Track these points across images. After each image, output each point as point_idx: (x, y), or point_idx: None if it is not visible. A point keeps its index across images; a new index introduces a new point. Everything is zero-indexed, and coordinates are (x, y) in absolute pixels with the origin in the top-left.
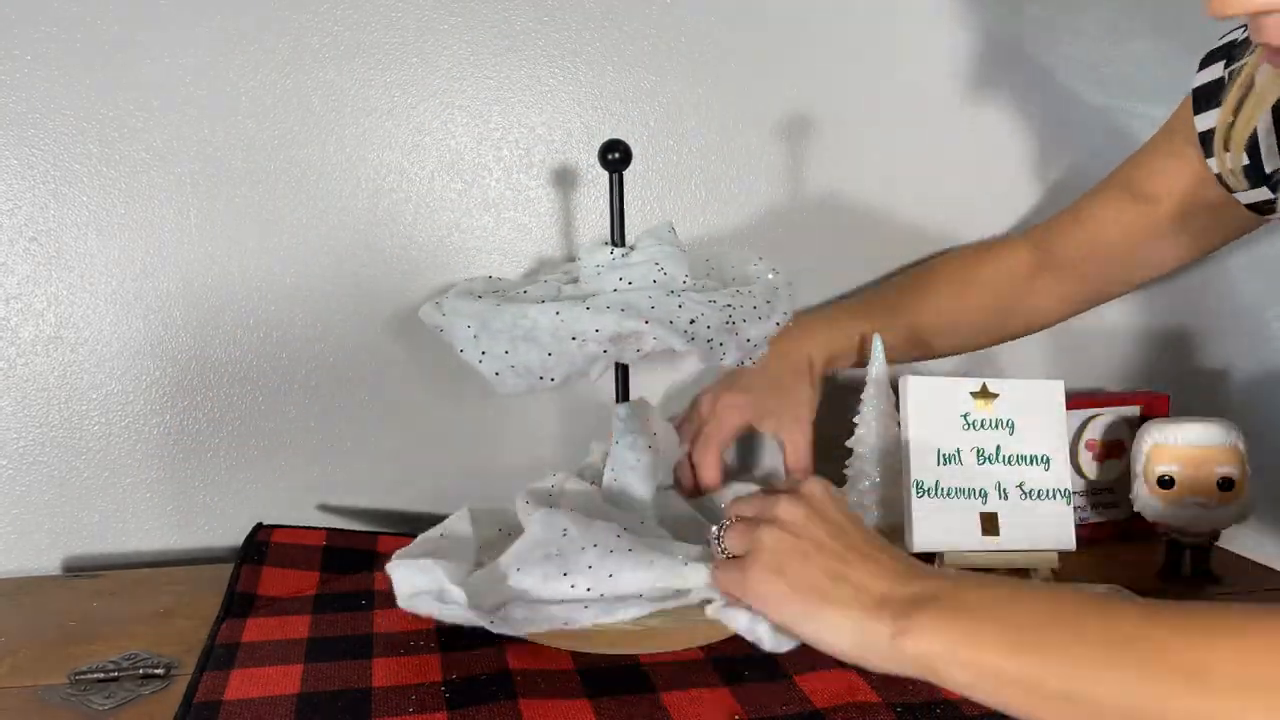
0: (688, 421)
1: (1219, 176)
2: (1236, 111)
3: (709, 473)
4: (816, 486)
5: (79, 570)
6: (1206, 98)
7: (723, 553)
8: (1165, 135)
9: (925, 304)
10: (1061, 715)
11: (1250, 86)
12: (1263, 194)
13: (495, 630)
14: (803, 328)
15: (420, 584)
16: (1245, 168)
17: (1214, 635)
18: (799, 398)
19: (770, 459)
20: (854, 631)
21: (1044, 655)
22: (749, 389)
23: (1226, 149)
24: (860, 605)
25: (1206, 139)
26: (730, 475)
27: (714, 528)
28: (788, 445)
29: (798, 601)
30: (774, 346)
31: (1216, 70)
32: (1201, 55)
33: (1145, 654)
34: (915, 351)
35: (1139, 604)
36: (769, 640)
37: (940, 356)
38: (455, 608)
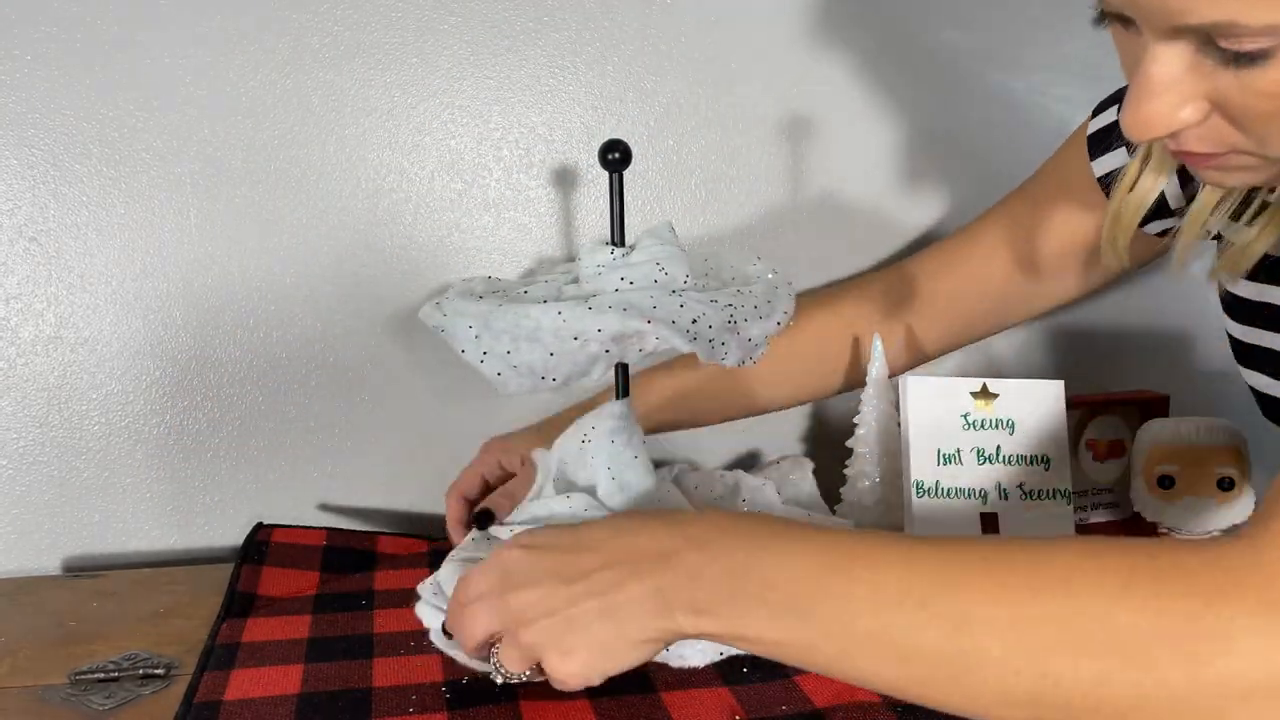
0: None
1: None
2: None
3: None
4: (508, 553)
5: (79, 570)
6: (1102, 142)
7: (509, 677)
8: (1057, 175)
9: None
10: (843, 669)
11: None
12: (1167, 224)
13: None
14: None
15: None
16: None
17: (971, 579)
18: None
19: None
20: (648, 651)
21: (813, 627)
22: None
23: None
24: (638, 634)
25: (1104, 181)
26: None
27: (491, 660)
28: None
29: (599, 664)
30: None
31: (1112, 114)
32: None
33: (910, 611)
34: (731, 412)
35: (901, 552)
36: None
37: (759, 414)
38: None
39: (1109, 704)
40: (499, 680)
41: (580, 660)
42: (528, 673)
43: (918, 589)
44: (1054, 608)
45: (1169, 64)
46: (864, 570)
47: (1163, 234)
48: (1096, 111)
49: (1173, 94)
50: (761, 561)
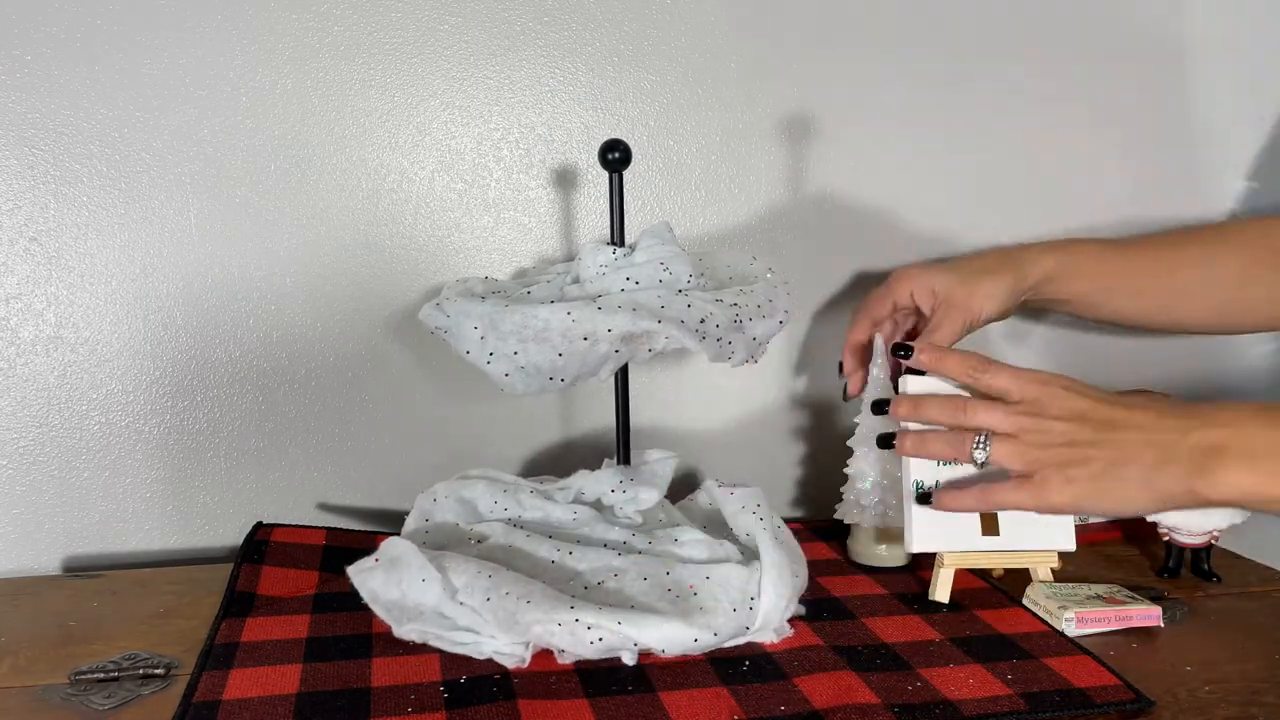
0: (879, 301)
1: None
2: None
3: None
4: (1046, 385)
5: (79, 570)
6: None
7: (982, 465)
8: None
9: (1168, 275)
10: None
11: None
12: None
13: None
14: (1038, 249)
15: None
16: None
17: None
18: (987, 291)
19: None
20: (1155, 500)
21: None
22: (954, 270)
23: None
24: (1150, 482)
25: None
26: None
27: (977, 444)
28: (940, 327)
29: (1096, 495)
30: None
31: None
32: None
33: None
34: (1150, 321)
35: None
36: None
37: (1171, 333)
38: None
39: None
40: (979, 459)
41: (1077, 489)
42: (984, 464)
43: None
44: None
45: None
46: None
47: None
48: None
49: None
50: None
